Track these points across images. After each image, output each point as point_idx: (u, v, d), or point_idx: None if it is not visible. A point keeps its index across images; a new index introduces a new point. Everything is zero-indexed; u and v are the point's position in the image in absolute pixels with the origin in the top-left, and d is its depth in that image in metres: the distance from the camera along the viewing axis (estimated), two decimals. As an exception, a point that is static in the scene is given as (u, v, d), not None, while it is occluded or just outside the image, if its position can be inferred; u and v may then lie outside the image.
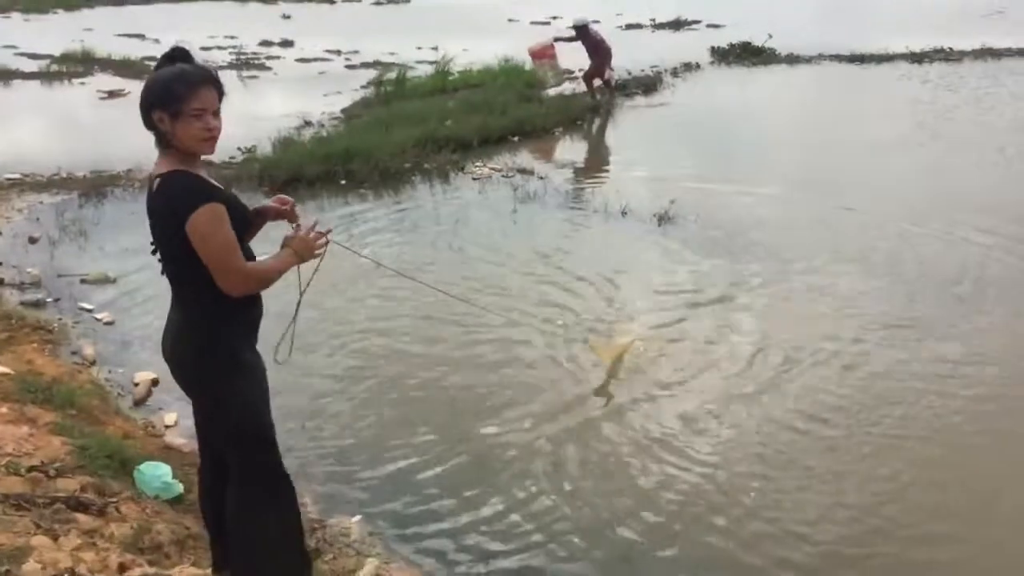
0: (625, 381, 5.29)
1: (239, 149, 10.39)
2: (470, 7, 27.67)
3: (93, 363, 5.56)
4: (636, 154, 10.84)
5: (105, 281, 6.81)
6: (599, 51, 13.72)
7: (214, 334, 2.80)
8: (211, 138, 2.71)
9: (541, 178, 9.67)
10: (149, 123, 2.68)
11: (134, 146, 10.67)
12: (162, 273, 2.86)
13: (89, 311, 6.33)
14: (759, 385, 5.21)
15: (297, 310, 3.14)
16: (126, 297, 6.57)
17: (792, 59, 17.36)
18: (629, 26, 23.57)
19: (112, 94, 14.36)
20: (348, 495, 4.28)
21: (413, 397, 5.17)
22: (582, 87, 13.94)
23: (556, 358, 5.57)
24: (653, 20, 24.41)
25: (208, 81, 2.68)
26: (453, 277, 6.72)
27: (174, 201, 2.65)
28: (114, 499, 3.63)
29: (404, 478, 4.39)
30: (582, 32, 13.72)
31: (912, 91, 14.19)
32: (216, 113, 2.70)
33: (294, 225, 3.01)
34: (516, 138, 11.51)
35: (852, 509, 4.13)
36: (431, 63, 16.32)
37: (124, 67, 16.60)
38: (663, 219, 8.11)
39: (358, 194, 9.31)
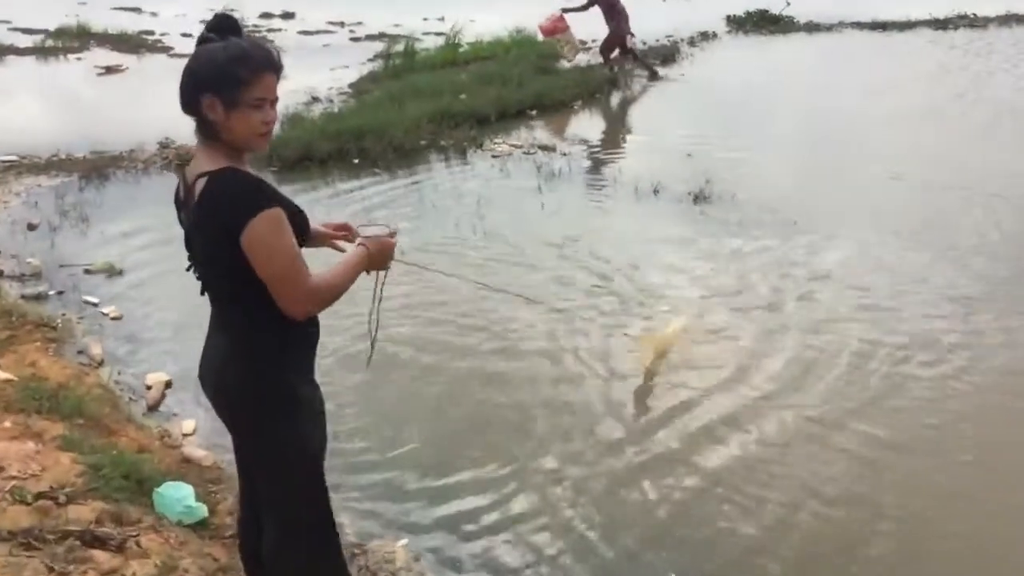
0: (667, 382, 4.87)
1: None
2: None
3: (101, 363, 5.12)
4: (661, 127, 10.37)
5: (111, 271, 6.36)
6: (614, 14, 12.86)
7: (270, 363, 2.36)
8: (268, 132, 2.27)
9: (564, 154, 9.21)
10: (193, 108, 2.22)
11: (135, 124, 10.57)
12: (202, 293, 2.41)
13: (95, 305, 5.88)
14: (821, 395, 4.70)
15: (376, 324, 2.75)
16: (134, 289, 6.13)
17: (811, 27, 16.82)
18: (640, -6, 22.91)
19: (110, 70, 13.81)
20: (392, 514, 3.85)
21: (460, 410, 4.67)
22: (599, 58, 13.37)
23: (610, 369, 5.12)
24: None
25: (272, 66, 2.24)
26: (492, 266, 6.31)
27: (227, 206, 2.18)
28: (133, 530, 3.21)
29: (455, 497, 3.95)
30: None
31: (942, 58, 13.69)
32: (274, 103, 2.27)
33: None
34: (534, 112, 11.03)
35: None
36: (439, 35, 15.79)
37: (121, 42, 16.03)
38: (699, 198, 7.66)
39: (372, 173, 8.83)
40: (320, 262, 2.43)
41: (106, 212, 7.66)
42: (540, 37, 13.74)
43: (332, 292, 2.32)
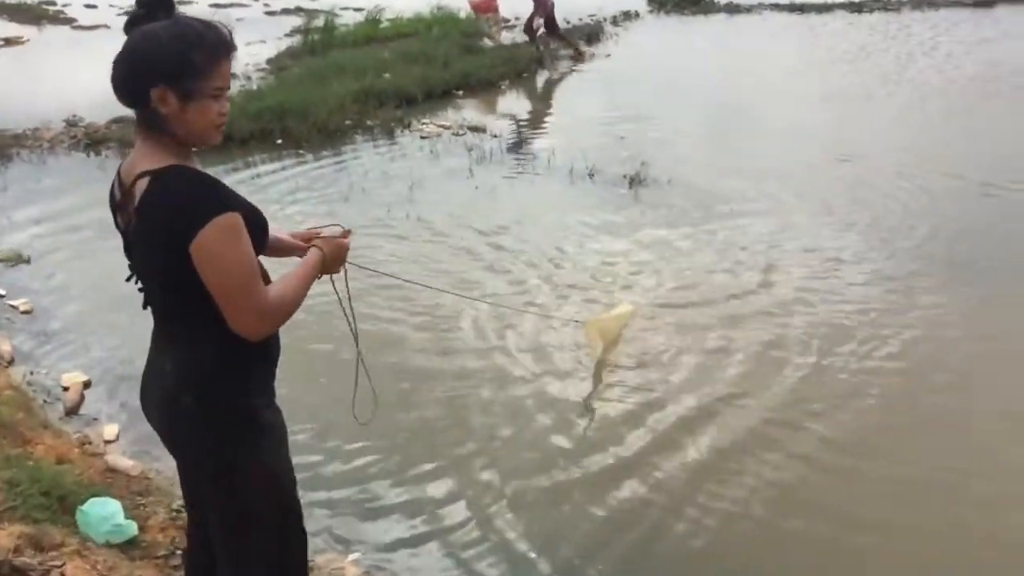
0: (616, 366, 4.73)
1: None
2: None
3: (11, 362, 4.73)
4: (590, 108, 10.22)
5: (18, 260, 5.92)
6: None
7: (227, 386, 2.09)
8: (223, 124, 2.01)
9: (495, 136, 9.01)
10: (140, 100, 1.92)
11: (37, 100, 9.96)
12: (144, 307, 2.13)
13: (1, 297, 5.46)
14: (772, 394, 4.56)
15: (354, 324, 2.58)
16: (43, 280, 5.70)
17: (732, 8, 16.93)
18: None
19: (9, 42, 12.99)
20: (341, 527, 3.61)
21: (412, 416, 4.37)
22: (523, 37, 13.16)
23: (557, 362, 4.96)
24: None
25: (228, 49, 1.96)
26: (427, 254, 6.08)
27: (175, 211, 1.90)
28: (57, 557, 2.91)
29: (409, 509, 3.72)
30: None
31: (862, 39, 13.89)
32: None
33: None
34: (461, 92, 10.78)
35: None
36: (356, 10, 15.35)
37: (20, 12, 15.14)
38: (635, 181, 7.54)
39: (296, 154, 8.49)
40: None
41: (10, 196, 7.16)
42: (464, 13, 13.50)
43: (289, 307, 2.06)
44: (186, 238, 1.88)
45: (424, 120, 9.53)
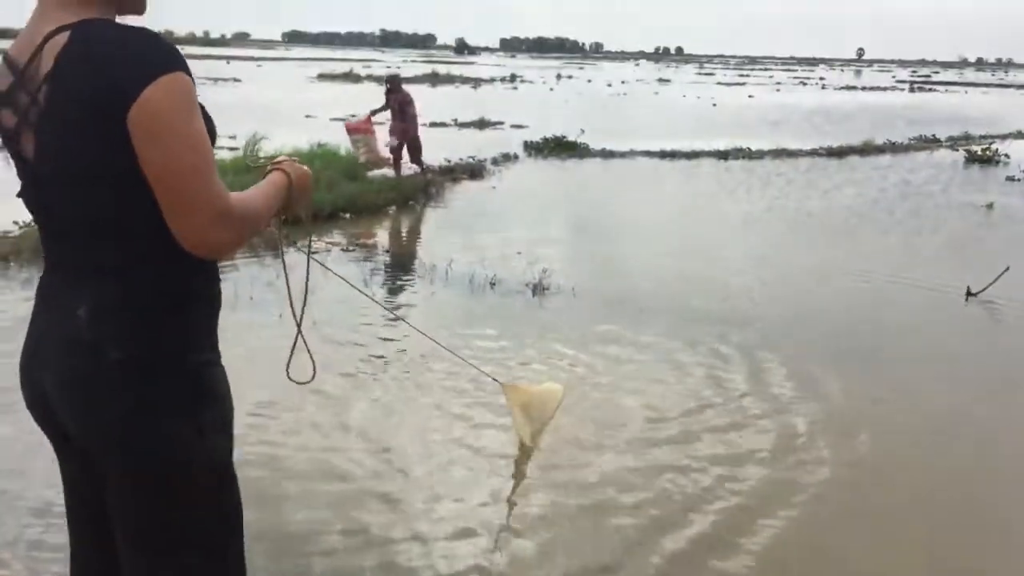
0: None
1: (16, 223, 8.66)
2: (262, 103, 26.50)
3: None
4: (484, 228, 10.02)
5: None
6: (406, 114, 12.79)
7: (167, 333, 1.59)
8: None
9: (387, 251, 8.66)
10: None
11: None
12: (42, 225, 1.62)
13: None
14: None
15: (303, 306, 2.26)
16: None
17: (606, 154, 17.50)
18: (433, 124, 23.28)
19: None
20: None
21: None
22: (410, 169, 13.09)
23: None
24: (456, 119, 24.28)
25: None
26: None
27: (112, 61, 1.44)
28: None
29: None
30: (395, 85, 13.02)
31: (728, 180, 14.50)
32: None
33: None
34: (348, 215, 10.46)
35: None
36: (231, 149, 15.04)
37: None
38: (537, 289, 7.30)
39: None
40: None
41: None
42: (344, 150, 13.31)
43: (251, 219, 1.62)
44: (124, 99, 1.42)
45: (312, 238, 9.09)
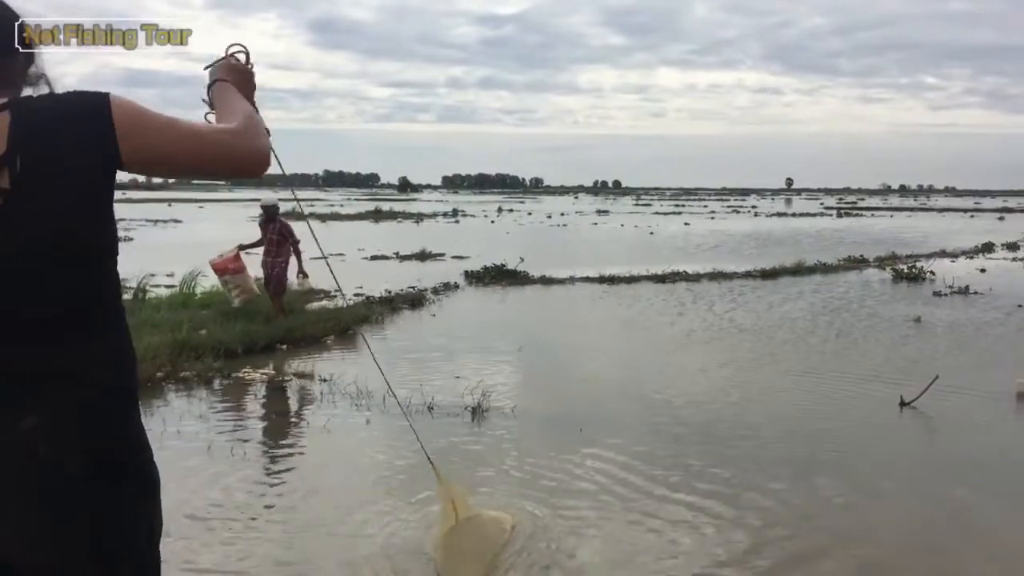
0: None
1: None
2: (201, 242, 26.46)
3: None
4: (420, 356, 9.95)
5: None
6: (283, 246, 11.44)
7: (133, 429, 1.66)
8: None
9: (324, 380, 8.51)
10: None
11: None
12: None
13: None
14: None
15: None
16: None
17: (546, 280, 17.69)
18: (375, 257, 23.47)
19: None
20: None
21: None
22: (345, 300, 12.97)
23: None
24: (397, 252, 24.49)
25: None
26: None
27: (74, 107, 1.53)
28: None
29: None
30: (270, 214, 11.59)
31: (669, 304, 14.70)
32: None
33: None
34: (285, 346, 10.32)
35: None
36: (169, 287, 14.92)
37: None
38: (476, 412, 7.21)
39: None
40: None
41: None
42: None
43: (249, 115, 1.77)
44: (104, 127, 1.51)
45: (246, 369, 8.93)
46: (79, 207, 1.49)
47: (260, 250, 11.72)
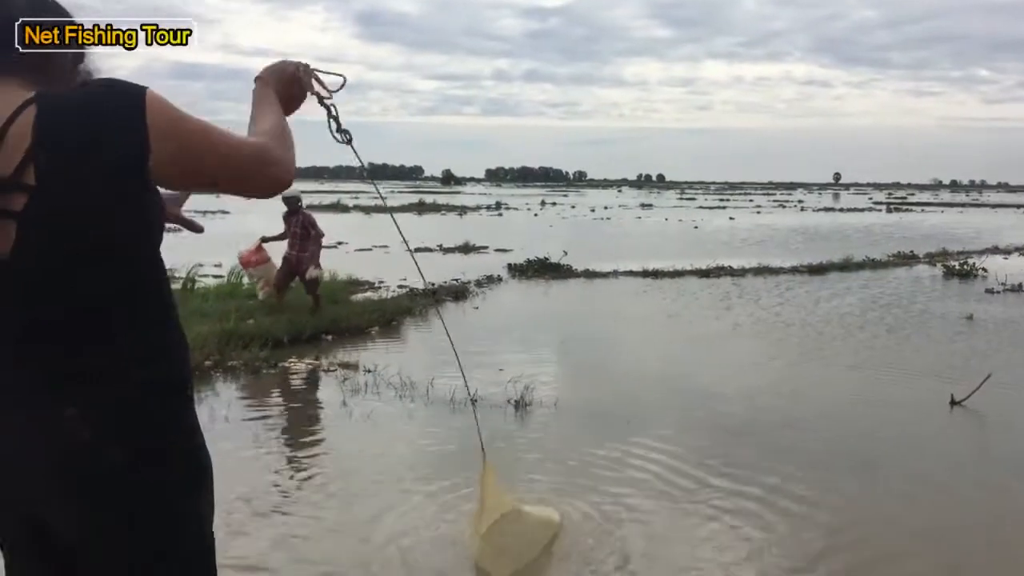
0: None
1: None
2: (248, 232, 26.76)
3: None
4: (465, 348, 9.93)
5: None
6: (307, 238, 11.29)
7: (180, 422, 1.64)
8: None
9: (368, 371, 8.57)
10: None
11: None
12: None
13: None
14: None
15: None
16: None
17: (590, 274, 17.64)
18: (419, 249, 23.54)
19: None
20: None
21: None
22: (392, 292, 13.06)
23: None
24: (441, 245, 24.58)
25: None
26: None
27: (105, 102, 1.48)
28: None
29: None
30: (293, 206, 11.42)
31: (713, 298, 14.57)
32: None
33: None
34: (330, 337, 10.41)
35: None
36: (215, 277, 15.13)
37: None
38: (520, 404, 7.21)
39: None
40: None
41: None
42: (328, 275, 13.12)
43: (279, 134, 1.71)
44: (138, 125, 1.46)
45: (291, 359, 9.03)
46: (107, 204, 1.47)
47: (284, 243, 11.59)
